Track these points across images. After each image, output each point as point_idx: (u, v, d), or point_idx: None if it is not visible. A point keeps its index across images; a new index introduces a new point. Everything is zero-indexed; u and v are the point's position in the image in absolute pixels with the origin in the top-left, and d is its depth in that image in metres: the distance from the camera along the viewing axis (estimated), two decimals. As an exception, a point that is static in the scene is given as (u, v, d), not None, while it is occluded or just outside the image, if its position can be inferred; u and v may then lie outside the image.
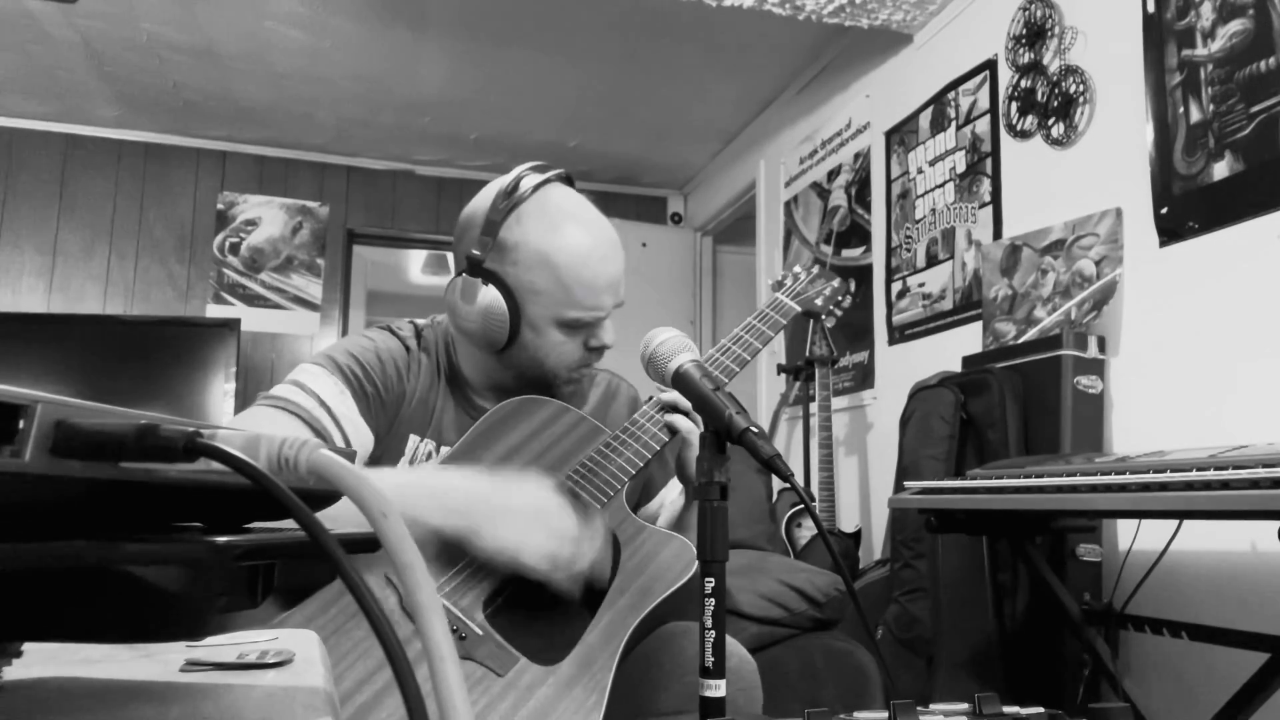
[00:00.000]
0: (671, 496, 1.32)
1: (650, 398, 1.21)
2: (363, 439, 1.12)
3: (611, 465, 1.12)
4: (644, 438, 1.15)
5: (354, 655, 0.94)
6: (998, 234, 2.49)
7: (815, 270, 1.40)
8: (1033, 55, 2.39)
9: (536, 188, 1.14)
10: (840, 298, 1.39)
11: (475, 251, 1.12)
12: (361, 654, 0.94)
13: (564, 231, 1.13)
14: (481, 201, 1.17)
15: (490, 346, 1.16)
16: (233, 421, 1.09)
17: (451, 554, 1.04)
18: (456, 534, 0.98)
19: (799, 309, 1.32)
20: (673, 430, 1.14)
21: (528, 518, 1.00)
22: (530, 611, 1.02)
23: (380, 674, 0.92)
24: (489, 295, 1.12)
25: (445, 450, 1.18)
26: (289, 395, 1.08)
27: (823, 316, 1.39)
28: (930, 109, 2.82)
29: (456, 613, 1.00)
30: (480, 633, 0.99)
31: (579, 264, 1.12)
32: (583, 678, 0.98)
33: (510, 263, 1.12)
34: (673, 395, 1.14)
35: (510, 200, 1.12)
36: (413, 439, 1.17)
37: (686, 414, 1.14)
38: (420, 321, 1.27)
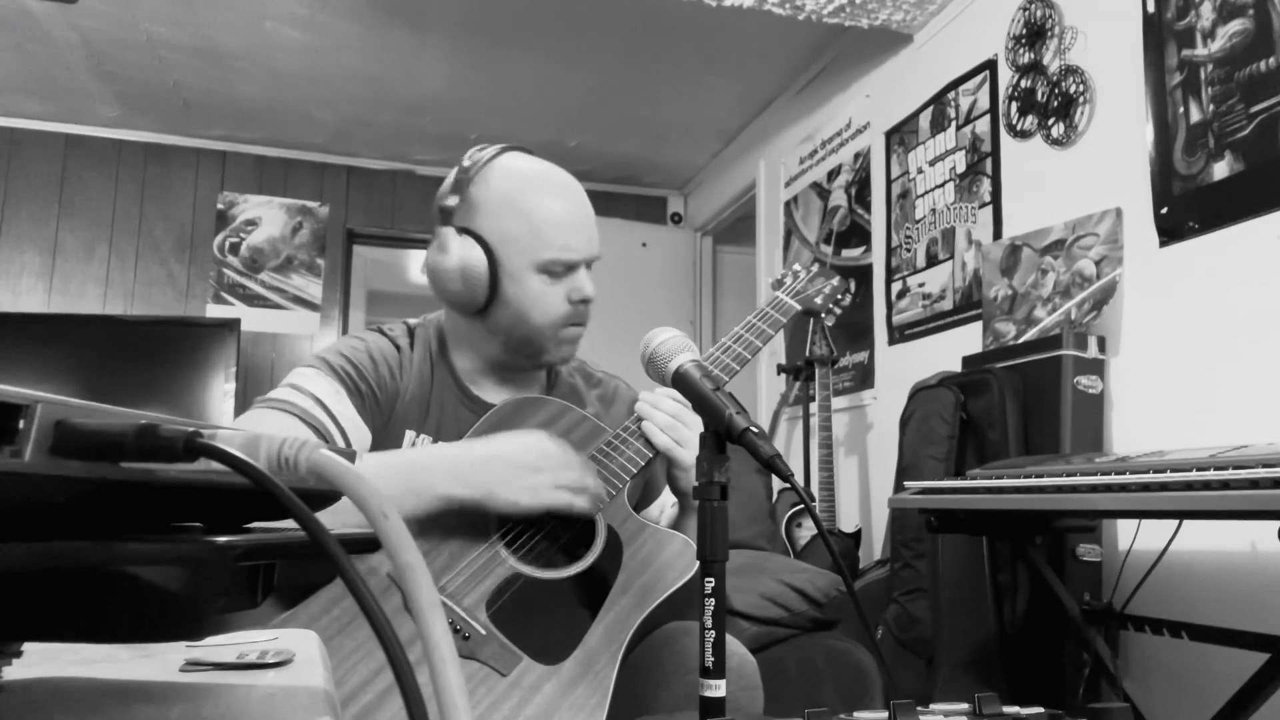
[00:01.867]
0: (670, 503, 1.31)
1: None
2: (361, 438, 1.12)
3: (613, 464, 1.12)
4: (645, 437, 1.15)
5: (357, 656, 0.94)
6: (998, 234, 2.49)
7: (815, 268, 1.40)
8: (1033, 55, 2.39)
9: (499, 153, 1.20)
10: (840, 296, 1.39)
11: (448, 203, 1.17)
12: (365, 655, 0.94)
13: (528, 179, 1.18)
14: (449, 175, 1.22)
15: (473, 304, 1.17)
16: (232, 424, 1.09)
17: (454, 553, 1.04)
18: (471, 501, 1.02)
19: (799, 308, 1.32)
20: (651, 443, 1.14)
21: (530, 465, 1.04)
22: (533, 611, 1.03)
23: (383, 675, 0.93)
24: (465, 246, 1.15)
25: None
26: (286, 397, 1.09)
27: (822, 315, 1.38)
28: (930, 109, 2.82)
29: (460, 612, 1.00)
30: (484, 632, 0.99)
31: (545, 205, 1.16)
32: (585, 677, 0.98)
33: (482, 215, 1.16)
34: (645, 406, 1.15)
35: (475, 160, 1.19)
36: (409, 435, 1.17)
37: (667, 425, 1.14)
38: (412, 321, 1.28)
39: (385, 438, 1.16)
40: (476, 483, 1.03)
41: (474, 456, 1.06)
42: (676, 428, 1.12)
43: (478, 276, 1.15)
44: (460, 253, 1.15)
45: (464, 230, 1.16)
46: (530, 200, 1.16)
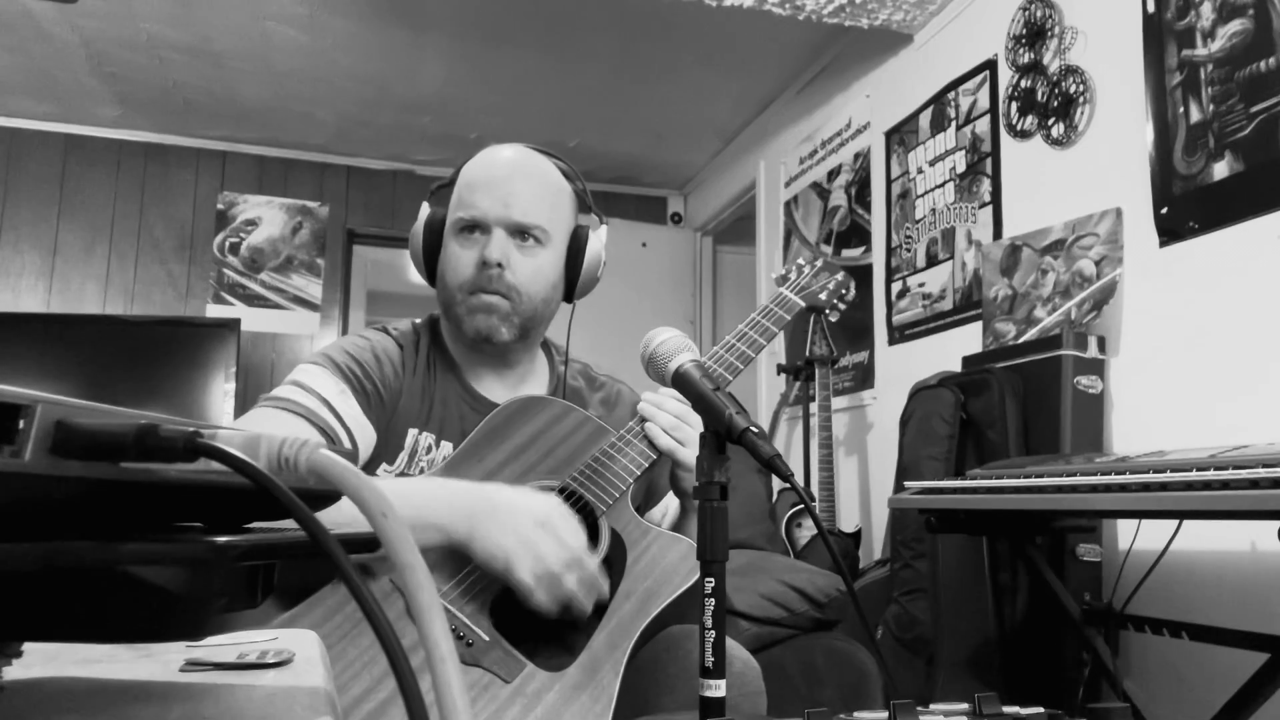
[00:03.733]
0: (673, 506, 1.31)
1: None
2: (367, 438, 1.12)
3: (616, 466, 1.11)
4: (648, 439, 1.14)
5: (360, 663, 0.93)
6: (998, 234, 2.49)
7: (819, 264, 1.38)
8: (1033, 55, 2.39)
9: (498, 145, 1.25)
10: (844, 291, 1.37)
11: (436, 182, 1.25)
12: (368, 662, 0.94)
13: (487, 153, 1.23)
14: None
15: (419, 267, 1.24)
16: (235, 424, 1.09)
17: (457, 559, 1.04)
18: (457, 537, 0.99)
19: (803, 304, 1.30)
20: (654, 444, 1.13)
21: (526, 531, 0.99)
22: (536, 617, 1.02)
23: (386, 682, 0.92)
24: (422, 215, 1.23)
25: (445, 444, 1.18)
26: (292, 396, 1.08)
27: (826, 311, 1.37)
28: (930, 109, 2.82)
29: (463, 619, 1.00)
30: (487, 639, 0.99)
31: (475, 171, 1.21)
32: (589, 683, 0.98)
33: (450, 195, 1.23)
34: (648, 407, 1.14)
35: (474, 154, 1.24)
36: (411, 432, 1.17)
37: (671, 426, 1.13)
38: (418, 321, 1.28)
39: (389, 436, 1.16)
40: (464, 524, 0.99)
41: (475, 496, 1.02)
42: (680, 428, 1.12)
43: (416, 240, 1.23)
44: (416, 222, 1.24)
45: (435, 207, 1.23)
46: (470, 170, 1.21)
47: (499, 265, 1.16)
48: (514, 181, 1.18)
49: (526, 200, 1.18)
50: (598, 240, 1.28)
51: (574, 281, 1.26)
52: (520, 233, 1.18)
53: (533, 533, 0.98)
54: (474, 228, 1.18)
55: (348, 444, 1.08)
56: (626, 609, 1.04)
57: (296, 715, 0.45)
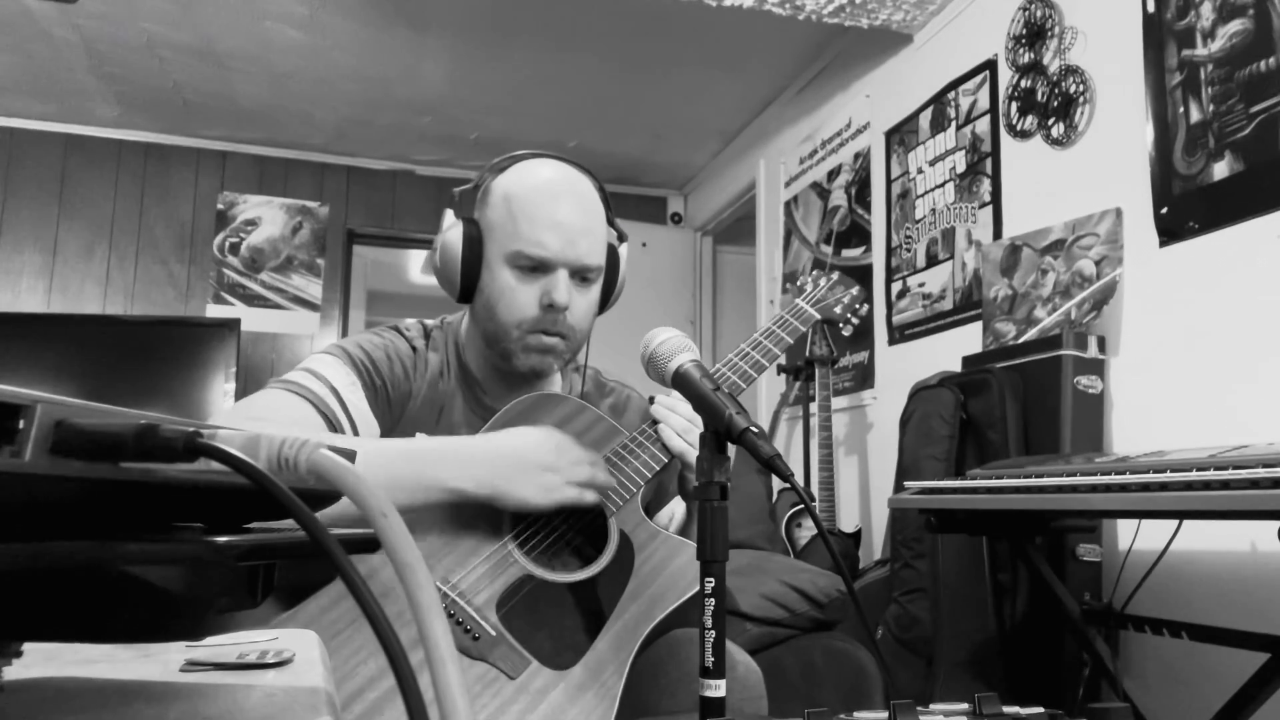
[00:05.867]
0: (679, 510, 1.31)
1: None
2: (371, 431, 1.12)
3: (627, 468, 1.11)
4: (661, 442, 1.14)
5: (364, 653, 0.94)
6: (998, 234, 2.49)
7: (834, 277, 1.39)
8: (1033, 55, 2.39)
9: (532, 156, 1.20)
10: (858, 305, 1.38)
11: (460, 188, 1.20)
12: (372, 652, 0.94)
13: (530, 172, 1.18)
14: None
15: (451, 287, 1.18)
16: (243, 401, 1.10)
17: (466, 553, 1.04)
18: (480, 498, 1.02)
19: (818, 316, 1.31)
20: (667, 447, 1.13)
21: (541, 463, 1.03)
22: (543, 613, 1.02)
23: (389, 674, 0.93)
24: (453, 229, 1.17)
25: None
26: (302, 381, 1.08)
27: (840, 324, 1.38)
28: (930, 109, 2.82)
29: (470, 612, 1.00)
30: (494, 634, 0.99)
31: (528, 196, 1.15)
32: (593, 684, 0.98)
33: (482, 205, 1.18)
34: (661, 410, 1.13)
35: (506, 158, 1.20)
36: (420, 437, 1.17)
37: (684, 429, 1.13)
38: (429, 322, 1.28)
39: (396, 436, 1.16)
40: (486, 480, 1.02)
41: (486, 452, 1.04)
42: (692, 431, 1.11)
43: (452, 257, 1.16)
44: (447, 234, 1.17)
45: (463, 217, 1.18)
46: (521, 194, 1.15)
47: (565, 309, 1.16)
48: (578, 220, 1.16)
49: (590, 240, 1.17)
50: (624, 257, 1.27)
51: (606, 300, 1.26)
52: (580, 271, 1.17)
53: (545, 470, 1.03)
54: (538, 266, 1.15)
55: (351, 434, 1.08)
56: (632, 611, 1.04)
57: (296, 715, 0.45)
